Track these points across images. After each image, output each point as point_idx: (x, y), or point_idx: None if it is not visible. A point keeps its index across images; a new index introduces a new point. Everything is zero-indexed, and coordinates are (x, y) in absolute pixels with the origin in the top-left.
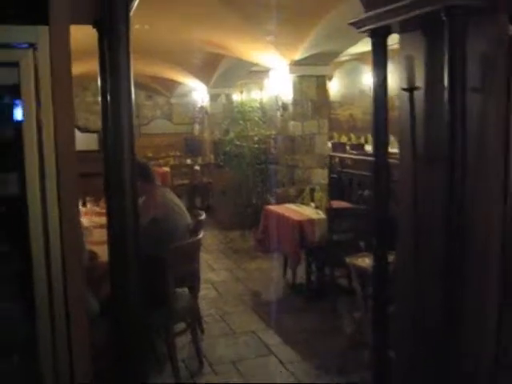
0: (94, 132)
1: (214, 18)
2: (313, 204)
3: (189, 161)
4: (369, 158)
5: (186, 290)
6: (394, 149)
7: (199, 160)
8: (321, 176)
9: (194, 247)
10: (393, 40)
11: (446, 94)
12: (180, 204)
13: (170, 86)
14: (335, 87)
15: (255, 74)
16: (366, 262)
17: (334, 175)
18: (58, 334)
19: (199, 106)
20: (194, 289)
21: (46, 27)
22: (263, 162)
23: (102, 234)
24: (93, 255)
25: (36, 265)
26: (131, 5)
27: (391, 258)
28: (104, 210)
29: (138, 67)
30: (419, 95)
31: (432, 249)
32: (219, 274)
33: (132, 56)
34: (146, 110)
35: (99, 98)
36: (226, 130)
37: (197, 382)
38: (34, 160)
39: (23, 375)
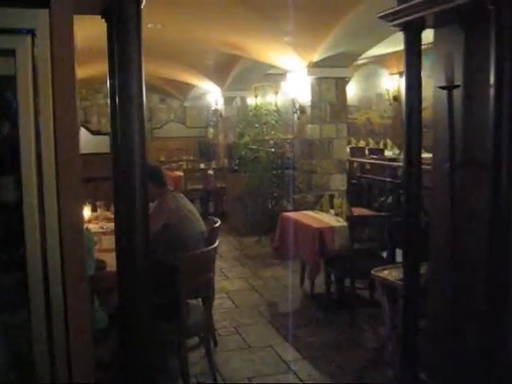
0: (105, 134)
1: (230, 18)
2: (332, 211)
3: (202, 165)
4: (391, 163)
5: (199, 301)
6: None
7: (213, 164)
8: (339, 182)
9: (209, 256)
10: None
11: (491, 93)
12: (194, 210)
13: (184, 88)
14: (352, 91)
15: (270, 76)
16: (392, 274)
17: (354, 181)
18: (57, 350)
19: (213, 109)
20: (208, 300)
21: (46, 11)
22: (279, 167)
23: (112, 241)
24: (101, 264)
25: (32, 277)
26: None
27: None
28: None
29: (151, 69)
30: (455, 94)
31: (472, 260)
32: (234, 282)
33: (143, 52)
34: (160, 114)
35: None
36: (241, 134)
37: None
38: (31, 162)
39: None
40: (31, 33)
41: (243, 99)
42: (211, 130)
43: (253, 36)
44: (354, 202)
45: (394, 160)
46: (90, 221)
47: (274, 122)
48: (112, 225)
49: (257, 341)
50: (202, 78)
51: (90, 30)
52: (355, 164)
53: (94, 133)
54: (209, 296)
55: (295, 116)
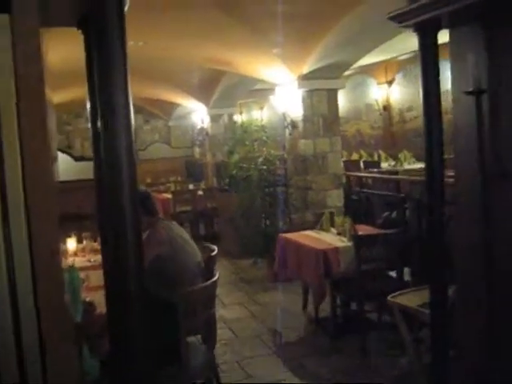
0: (89, 160)
1: (215, 32)
2: (334, 230)
3: (191, 186)
4: (394, 177)
5: (199, 338)
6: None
7: (202, 184)
8: (336, 198)
9: (210, 291)
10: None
11: None
12: (189, 239)
13: (168, 108)
14: (340, 102)
15: (256, 92)
16: (412, 300)
17: (354, 196)
18: None
19: (199, 127)
20: (209, 339)
21: (6, 16)
22: (271, 185)
23: (101, 277)
24: (89, 307)
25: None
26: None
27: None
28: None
29: (134, 89)
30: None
31: (507, 283)
32: (232, 310)
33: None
34: (144, 135)
35: None
36: (231, 152)
37: None
38: None
39: None
40: None
41: (230, 116)
42: (197, 150)
43: (239, 49)
44: (354, 218)
45: (396, 173)
46: (75, 253)
47: (265, 138)
48: (99, 257)
49: (263, 375)
50: (186, 96)
51: (65, 51)
52: (351, 178)
53: (77, 159)
54: (211, 334)
55: (286, 131)
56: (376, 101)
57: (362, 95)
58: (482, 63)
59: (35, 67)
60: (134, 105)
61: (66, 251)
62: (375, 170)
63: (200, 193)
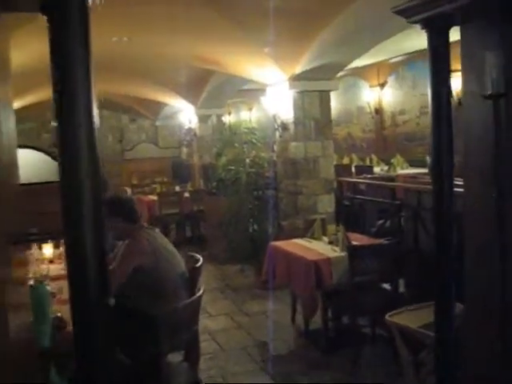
0: None
1: (203, 29)
2: (325, 238)
3: (177, 188)
4: (390, 184)
5: (182, 353)
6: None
7: (189, 186)
8: (327, 203)
9: (194, 307)
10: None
11: None
12: (172, 249)
13: (155, 107)
14: (331, 104)
15: (245, 92)
16: (412, 320)
17: (346, 202)
18: None
19: (186, 127)
20: (192, 355)
21: None
22: (260, 188)
23: None
24: (60, 323)
25: None
26: None
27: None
28: None
29: (118, 86)
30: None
31: None
32: (218, 320)
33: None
34: (130, 134)
35: None
36: (219, 154)
37: None
38: None
39: None
40: None
41: (219, 117)
42: (185, 150)
43: (228, 48)
44: (346, 225)
45: (391, 179)
46: (51, 260)
47: (255, 140)
48: None
49: None
50: (173, 95)
51: (47, 47)
52: (343, 183)
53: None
54: (194, 351)
55: (277, 133)
56: (368, 103)
57: (353, 98)
58: (497, 62)
59: None
60: (119, 104)
61: (40, 259)
62: (368, 176)
63: (186, 195)
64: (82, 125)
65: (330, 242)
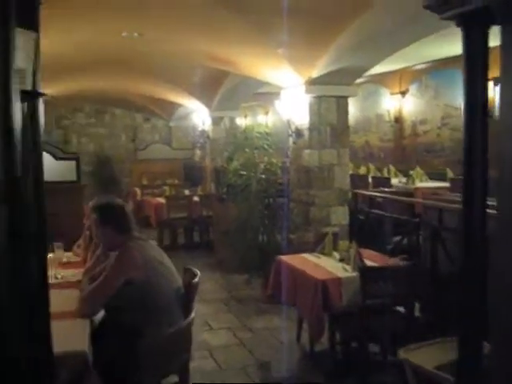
0: (72, 159)
1: (217, 27)
2: (336, 254)
3: (187, 191)
4: (409, 199)
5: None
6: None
7: (199, 190)
8: (341, 215)
9: (185, 333)
10: None
11: None
12: (167, 262)
13: (169, 107)
14: (349, 111)
15: (261, 96)
16: (429, 357)
17: (361, 217)
18: None
19: (200, 129)
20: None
21: None
22: (272, 195)
23: (66, 299)
24: None
25: None
26: None
27: None
28: (76, 259)
29: (130, 85)
30: None
31: None
32: (218, 335)
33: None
34: (144, 134)
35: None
36: (230, 158)
37: None
38: None
39: None
40: None
41: (232, 120)
42: (198, 152)
43: (242, 48)
44: (359, 240)
45: (410, 193)
46: None
47: (266, 146)
48: (71, 272)
49: None
50: (187, 96)
51: (59, 40)
52: (358, 195)
53: (59, 158)
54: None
55: (290, 140)
56: (388, 111)
57: (373, 105)
58: None
59: None
60: (133, 102)
61: None
62: (386, 189)
63: (196, 199)
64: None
65: (341, 260)
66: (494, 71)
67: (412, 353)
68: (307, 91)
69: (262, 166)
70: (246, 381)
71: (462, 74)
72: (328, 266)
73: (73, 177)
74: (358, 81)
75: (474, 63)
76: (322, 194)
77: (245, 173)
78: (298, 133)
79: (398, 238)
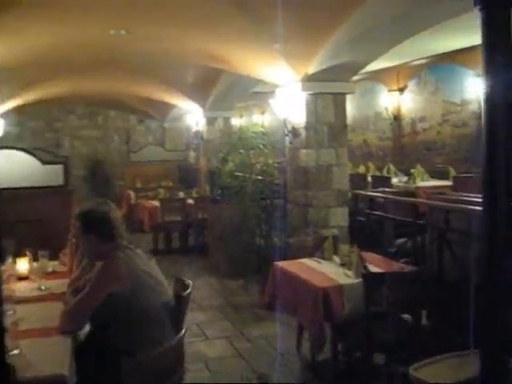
0: (59, 163)
1: (210, 22)
2: (336, 258)
3: (181, 194)
4: (413, 200)
5: None
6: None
7: (193, 193)
8: (340, 216)
9: (176, 350)
10: None
11: None
12: (156, 273)
13: (163, 108)
14: (347, 109)
15: (256, 95)
16: (441, 375)
17: (361, 218)
18: None
19: (194, 130)
20: None
21: None
22: (268, 196)
23: (48, 312)
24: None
25: None
26: None
27: None
28: (62, 268)
29: (120, 85)
30: None
31: None
32: (214, 345)
33: None
34: (138, 135)
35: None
36: (225, 159)
37: None
38: None
39: None
40: None
41: (226, 120)
42: (192, 154)
43: (237, 43)
44: (360, 242)
45: (412, 193)
46: (27, 277)
47: (262, 146)
48: (56, 282)
49: None
50: (181, 96)
51: (52, 38)
52: (358, 195)
53: (45, 162)
54: None
55: (286, 139)
56: (386, 109)
57: (370, 103)
58: None
59: None
60: (126, 104)
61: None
62: (386, 189)
63: (190, 202)
64: None
65: (343, 264)
66: None
67: (422, 370)
68: (303, 88)
69: (257, 166)
70: None
71: (482, 60)
72: (329, 271)
73: (59, 181)
74: (355, 78)
75: (495, 48)
76: (320, 195)
77: (240, 174)
78: (295, 132)
79: (401, 241)
